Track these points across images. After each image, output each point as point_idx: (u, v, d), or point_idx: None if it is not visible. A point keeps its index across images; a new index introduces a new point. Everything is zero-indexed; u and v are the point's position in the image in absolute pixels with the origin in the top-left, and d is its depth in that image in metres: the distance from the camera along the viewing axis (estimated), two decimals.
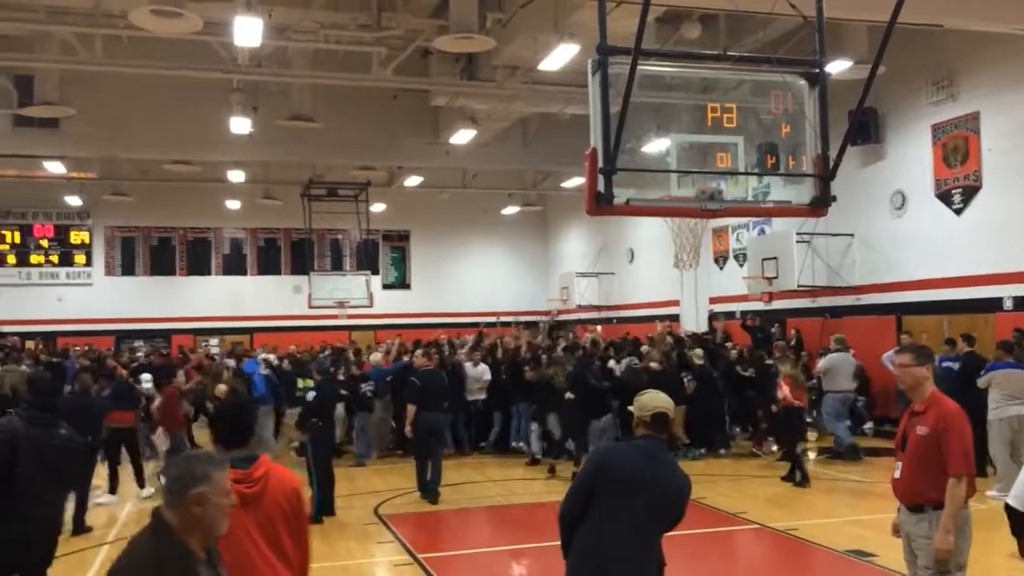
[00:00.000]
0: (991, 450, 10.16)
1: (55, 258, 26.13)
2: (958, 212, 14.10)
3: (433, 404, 10.56)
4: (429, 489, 10.39)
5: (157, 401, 11.93)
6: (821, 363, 13.33)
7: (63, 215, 26.09)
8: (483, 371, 13.48)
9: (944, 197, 14.36)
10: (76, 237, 26.32)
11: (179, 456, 2.87)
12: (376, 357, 14.33)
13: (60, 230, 26.23)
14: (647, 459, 3.82)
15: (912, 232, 14.97)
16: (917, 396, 4.78)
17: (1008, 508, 4.92)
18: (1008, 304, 13.19)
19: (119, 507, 10.54)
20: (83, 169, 22.28)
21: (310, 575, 3.54)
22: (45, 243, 26.10)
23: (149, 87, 17.01)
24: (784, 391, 11.38)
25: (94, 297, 25.99)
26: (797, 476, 11.05)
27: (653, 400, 3.96)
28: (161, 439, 11.42)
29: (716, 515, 9.46)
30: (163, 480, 2.75)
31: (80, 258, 26.32)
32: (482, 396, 13.69)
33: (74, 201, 24.72)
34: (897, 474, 4.80)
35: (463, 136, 17.96)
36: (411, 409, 10.48)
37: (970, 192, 13.88)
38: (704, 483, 10.70)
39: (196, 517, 2.63)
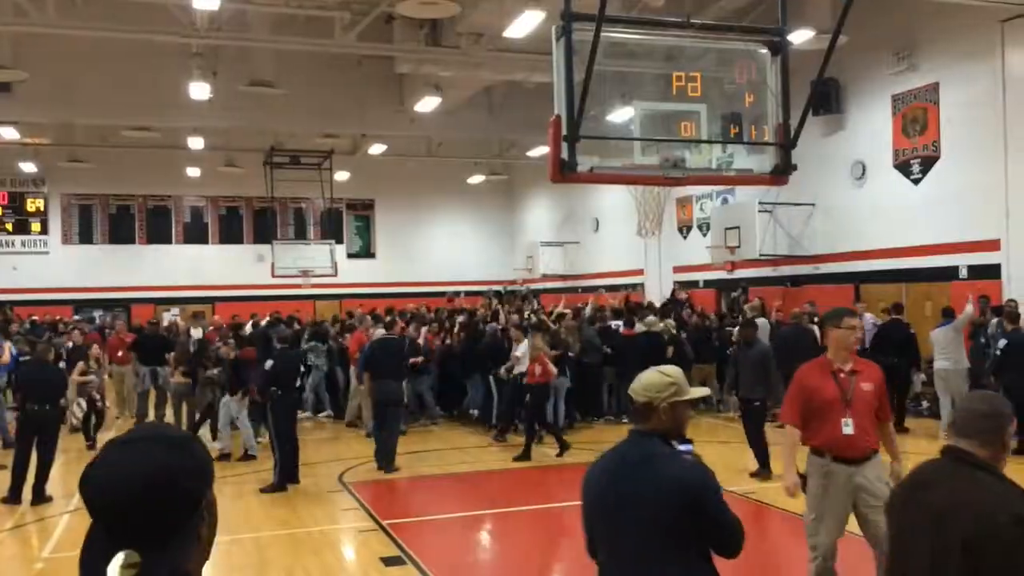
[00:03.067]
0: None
1: (9, 226, 25.59)
2: (916, 182, 14.32)
3: (387, 372, 10.42)
4: (377, 458, 10.17)
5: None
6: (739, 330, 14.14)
7: (17, 182, 25.50)
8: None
9: (903, 167, 14.56)
10: (31, 204, 25.77)
11: (976, 395, 2.91)
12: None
13: (14, 197, 25.65)
14: (618, 463, 2.98)
15: (871, 202, 15.18)
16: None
17: None
18: (963, 273, 13.47)
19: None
20: (37, 134, 21.76)
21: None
22: None
23: (105, 51, 16.61)
24: (539, 366, 10.99)
25: (51, 266, 25.52)
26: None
27: (637, 381, 3.05)
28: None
29: None
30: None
31: (36, 226, 25.79)
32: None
33: (28, 168, 24.17)
34: None
35: (428, 104, 17.80)
36: (365, 378, 10.74)
37: (928, 162, 14.09)
38: None
39: (1002, 457, 2.73)
